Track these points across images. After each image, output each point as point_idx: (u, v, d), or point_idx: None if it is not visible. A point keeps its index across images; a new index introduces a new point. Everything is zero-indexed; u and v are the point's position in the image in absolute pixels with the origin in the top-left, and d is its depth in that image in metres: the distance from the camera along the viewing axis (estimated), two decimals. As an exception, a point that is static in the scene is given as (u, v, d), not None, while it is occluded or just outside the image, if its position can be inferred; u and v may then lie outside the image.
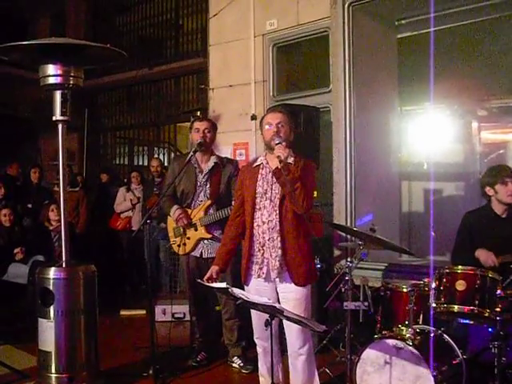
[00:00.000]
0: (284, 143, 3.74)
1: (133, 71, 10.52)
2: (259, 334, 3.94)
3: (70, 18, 11.42)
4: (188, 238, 5.01)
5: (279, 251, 3.79)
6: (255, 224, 3.86)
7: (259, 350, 4.04)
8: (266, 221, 3.82)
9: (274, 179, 3.78)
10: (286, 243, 3.79)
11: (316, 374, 3.89)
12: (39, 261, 6.43)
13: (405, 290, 4.30)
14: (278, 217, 3.78)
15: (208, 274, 3.97)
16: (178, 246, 5.06)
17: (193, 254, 5.06)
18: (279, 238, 3.79)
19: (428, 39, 5.86)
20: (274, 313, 3.14)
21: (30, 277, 6.11)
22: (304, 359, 3.84)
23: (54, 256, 6.61)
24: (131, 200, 8.35)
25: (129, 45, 10.74)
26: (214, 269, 4.00)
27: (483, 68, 6.26)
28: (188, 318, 5.82)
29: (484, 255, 4.25)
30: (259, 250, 3.85)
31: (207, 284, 3.73)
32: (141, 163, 11.46)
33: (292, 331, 3.79)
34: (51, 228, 7.07)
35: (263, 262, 3.84)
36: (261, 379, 4.09)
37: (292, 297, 3.79)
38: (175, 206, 5.01)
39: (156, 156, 10.51)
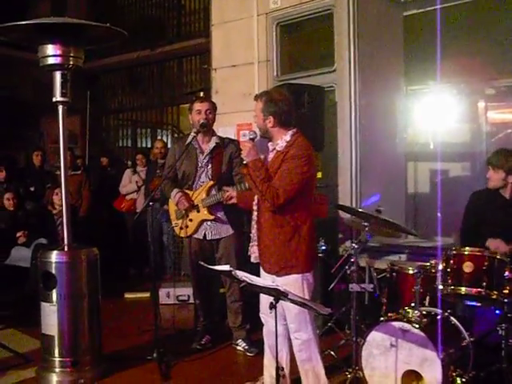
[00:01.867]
0: (251, 142, 3.78)
1: (135, 52, 10.43)
2: (265, 310, 3.90)
3: (71, -1, 11.32)
4: (190, 220, 4.95)
5: (256, 236, 3.89)
6: (254, 203, 3.96)
7: (264, 327, 4.03)
8: (255, 203, 3.91)
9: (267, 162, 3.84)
10: (261, 230, 3.84)
11: (318, 359, 3.82)
12: (42, 244, 6.41)
13: (411, 272, 4.24)
14: (256, 201, 3.88)
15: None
16: (181, 228, 5.00)
17: (195, 236, 5.00)
18: (257, 225, 3.87)
19: (434, 17, 5.77)
20: (279, 295, 3.09)
21: (32, 260, 6.09)
22: (299, 343, 3.80)
23: (58, 240, 6.57)
24: (136, 182, 8.32)
25: (131, 26, 10.61)
26: None
27: (491, 46, 6.16)
28: (192, 300, 5.78)
29: (494, 244, 4.19)
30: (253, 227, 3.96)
31: (210, 267, 3.68)
32: (144, 145, 11.41)
33: (289, 315, 3.77)
34: (54, 212, 7.03)
35: (252, 241, 3.96)
36: (265, 356, 4.07)
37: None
38: (175, 190, 4.94)
39: (160, 138, 10.46)
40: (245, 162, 3.75)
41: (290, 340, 3.91)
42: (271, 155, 3.82)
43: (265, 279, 3.71)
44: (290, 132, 3.75)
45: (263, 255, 3.84)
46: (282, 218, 3.70)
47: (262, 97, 3.82)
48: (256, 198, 3.88)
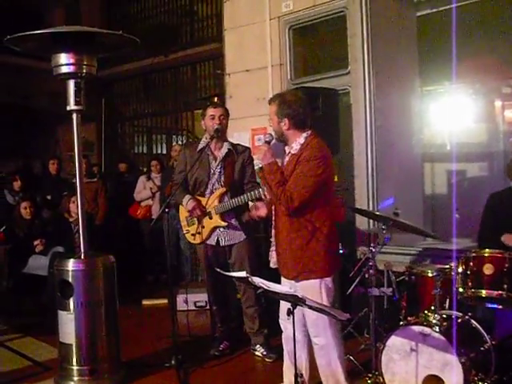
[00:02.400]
0: (266, 145, 3.74)
1: (149, 59, 10.44)
2: (284, 316, 3.85)
3: (85, 7, 11.37)
4: (202, 227, 4.92)
5: (274, 241, 3.88)
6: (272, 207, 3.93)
7: (283, 333, 4.00)
8: (273, 207, 3.90)
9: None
10: (278, 235, 3.81)
11: (338, 364, 3.78)
12: (59, 252, 6.42)
13: (430, 275, 4.19)
14: (273, 206, 3.86)
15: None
16: (193, 235, 4.98)
17: (208, 242, 4.97)
18: (275, 229, 3.85)
19: (448, 16, 5.71)
20: (296, 301, 3.06)
21: (50, 268, 6.09)
22: (319, 348, 3.78)
23: (75, 248, 6.58)
24: (151, 188, 8.33)
25: (144, 33, 10.63)
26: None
27: (506, 45, 6.07)
28: (210, 306, 5.76)
29: (509, 239, 4.14)
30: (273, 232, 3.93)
31: (227, 273, 3.66)
32: (160, 151, 11.41)
33: (308, 320, 3.75)
34: (71, 220, 7.05)
35: (272, 246, 3.95)
36: (285, 363, 4.04)
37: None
38: (187, 196, 4.91)
39: (175, 143, 10.46)
40: (260, 166, 3.73)
41: (309, 346, 3.88)
42: (287, 159, 3.79)
43: (284, 285, 3.69)
44: (305, 134, 3.72)
45: (281, 260, 3.81)
46: (298, 221, 3.66)
47: (275, 99, 3.79)
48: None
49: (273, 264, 3.92)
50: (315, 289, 3.66)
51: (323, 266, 3.68)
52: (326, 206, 3.74)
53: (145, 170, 9.98)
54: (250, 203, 5.00)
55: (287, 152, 3.80)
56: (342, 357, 3.85)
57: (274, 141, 3.83)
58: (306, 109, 3.77)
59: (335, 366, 3.78)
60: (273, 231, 3.90)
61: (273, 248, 3.92)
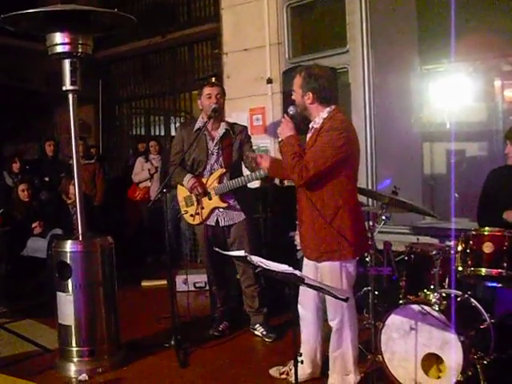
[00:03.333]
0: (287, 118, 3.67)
1: (146, 40, 10.36)
2: (303, 303, 3.88)
3: (81, -13, 11.25)
4: (202, 208, 4.90)
5: (298, 222, 3.78)
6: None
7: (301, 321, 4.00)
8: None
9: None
10: (301, 214, 3.73)
11: (349, 347, 3.74)
12: (57, 234, 6.41)
13: (429, 254, 4.17)
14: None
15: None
16: (191, 215, 4.95)
17: (208, 223, 4.95)
18: (298, 209, 3.76)
19: (448, -7, 5.65)
20: (295, 280, 3.04)
21: (48, 251, 6.09)
22: (334, 331, 3.76)
23: (73, 230, 6.57)
24: (149, 170, 8.30)
25: (141, 13, 10.55)
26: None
27: (507, 22, 6.02)
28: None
29: (511, 215, 4.13)
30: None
31: (226, 253, 3.62)
32: (158, 133, 11.35)
33: (327, 303, 3.74)
34: (69, 202, 7.03)
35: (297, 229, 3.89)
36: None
37: (314, 271, 3.72)
38: (189, 175, 4.87)
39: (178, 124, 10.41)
40: (280, 140, 3.66)
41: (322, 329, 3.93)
42: (309, 135, 3.70)
43: (306, 265, 3.68)
44: (328, 108, 3.62)
45: (304, 240, 3.74)
46: (320, 199, 3.57)
47: (301, 72, 3.66)
48: None
49: (299, 245, 3.88)
50: (336, 272, 3.61)
51: (348, 247, 3.58)
52: (350, 184, 3.63)
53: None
54: (249, 185, 5.00)
55: (310, 127, 3.71)
56: (355, 342, 3.80)
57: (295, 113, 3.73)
58: (332, 84, 3.68)
59: (346, 348, 3.76)
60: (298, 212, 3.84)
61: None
